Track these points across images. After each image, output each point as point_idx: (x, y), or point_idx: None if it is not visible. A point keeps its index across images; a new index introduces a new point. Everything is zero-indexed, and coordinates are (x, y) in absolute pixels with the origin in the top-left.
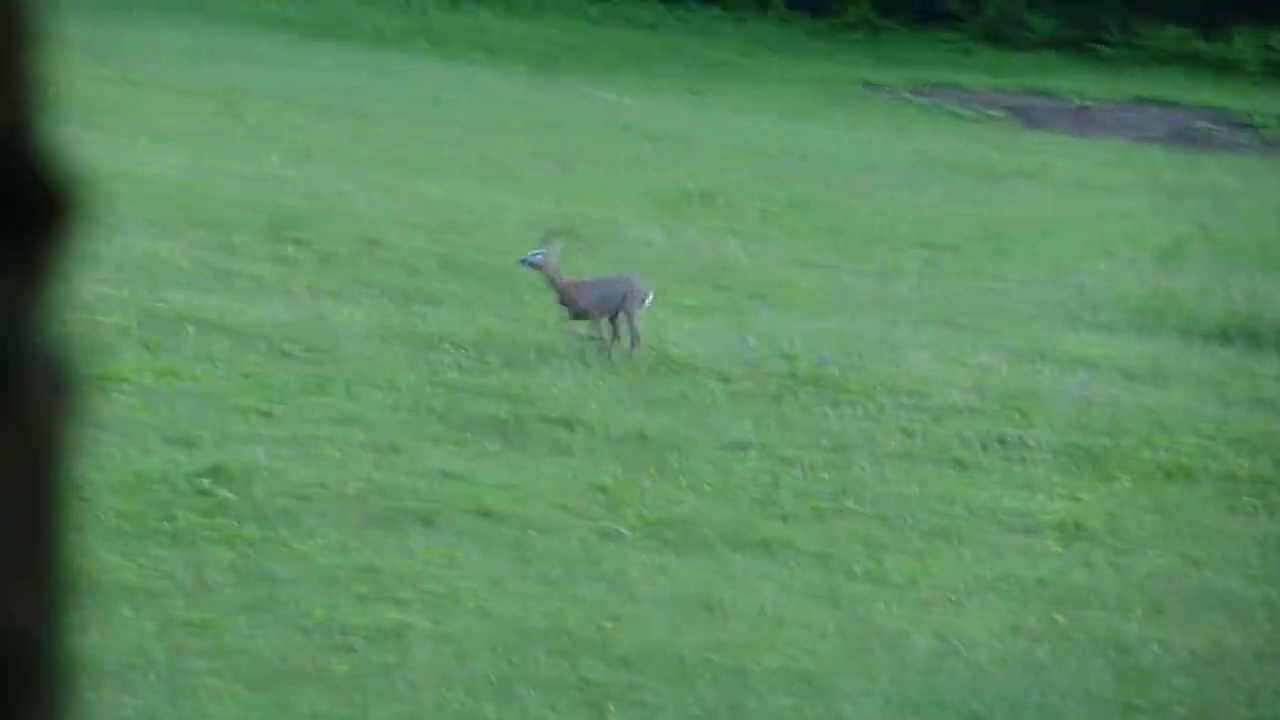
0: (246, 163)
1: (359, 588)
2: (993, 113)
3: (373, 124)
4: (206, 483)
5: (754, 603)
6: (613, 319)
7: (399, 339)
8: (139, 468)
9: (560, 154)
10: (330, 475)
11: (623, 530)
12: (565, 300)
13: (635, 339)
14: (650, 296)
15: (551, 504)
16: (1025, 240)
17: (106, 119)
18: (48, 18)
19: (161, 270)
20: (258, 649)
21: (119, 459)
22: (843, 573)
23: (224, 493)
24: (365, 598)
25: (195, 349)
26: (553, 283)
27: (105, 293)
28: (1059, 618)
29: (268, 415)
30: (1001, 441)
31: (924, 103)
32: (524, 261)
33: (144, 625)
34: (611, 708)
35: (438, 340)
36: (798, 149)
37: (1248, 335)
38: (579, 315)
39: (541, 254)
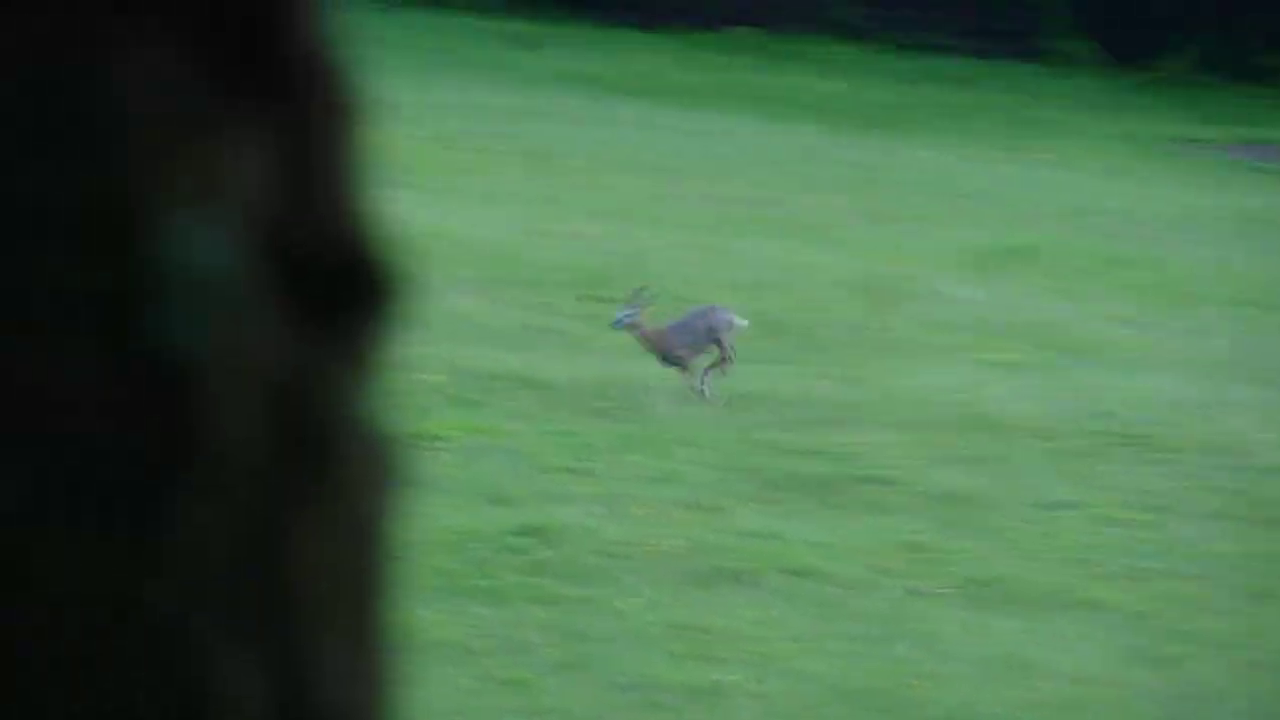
0: (557, 221)
1: (673, 646)
2: None
3: (683, 182)
4: (523, 540)
5: (1069, 663)
6: (720, 345)
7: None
8: (457, 525)
9: (874, 211)
10: (644, 533)
11: (936, 589)
12: (661, 349)
13: (727, 360)
14: (742, 322)
15: (864, 563)
16: None
17: (421, 179)
18: (369, 85)
19: (475, 328)
20: (572, 707)
21: (437, 517)
22: (1161, 633)
23: (540, 550)
24: (679, 656)
25: (509, 407)
26: (647, 338)
27: (420, 352)
28: None
29: (581, 473)
30: None
31: (1243, 158)
32: (617, 324)
33: (461, 682)
34: None
35: (751, 398)
36: (1115, 205)
37: None
38: (676, 361)
39: (633, 312)
